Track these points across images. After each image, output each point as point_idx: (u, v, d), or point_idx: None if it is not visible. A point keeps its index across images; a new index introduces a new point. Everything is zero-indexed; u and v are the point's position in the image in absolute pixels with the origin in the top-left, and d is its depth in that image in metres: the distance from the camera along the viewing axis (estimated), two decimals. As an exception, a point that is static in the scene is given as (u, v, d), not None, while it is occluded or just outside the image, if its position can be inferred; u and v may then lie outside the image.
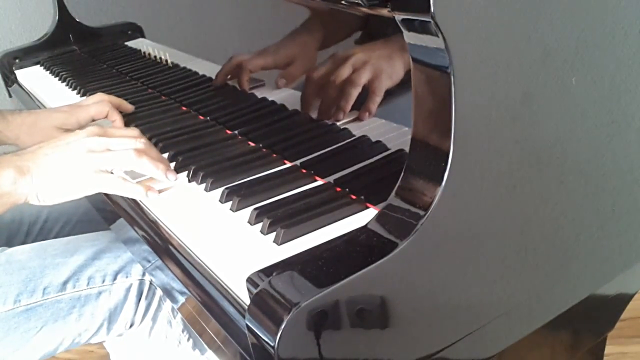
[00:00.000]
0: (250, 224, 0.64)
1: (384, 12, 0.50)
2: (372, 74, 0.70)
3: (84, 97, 1.14)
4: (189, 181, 0.76)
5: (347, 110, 0.75)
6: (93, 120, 0.95)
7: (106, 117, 0.94)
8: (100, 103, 0.94)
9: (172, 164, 0.79)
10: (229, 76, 0.94)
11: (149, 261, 0.76)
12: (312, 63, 0.77)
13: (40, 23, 2.19)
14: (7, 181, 0.69)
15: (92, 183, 0.71)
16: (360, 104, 0.73)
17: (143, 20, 1.21)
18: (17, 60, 1.44)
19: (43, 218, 1.03)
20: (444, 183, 0.49)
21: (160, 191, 0.74)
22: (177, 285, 0.66)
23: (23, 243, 0.97)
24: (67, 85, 1.25)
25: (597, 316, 0.77)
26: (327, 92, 0.76)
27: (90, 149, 0.72)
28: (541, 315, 0.65)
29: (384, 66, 0.69)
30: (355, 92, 0.72)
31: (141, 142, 0.74)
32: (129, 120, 0.98)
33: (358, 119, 0.74)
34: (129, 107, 0.99)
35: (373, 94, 0.71)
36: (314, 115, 0.80)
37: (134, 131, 0.78)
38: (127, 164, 0.72)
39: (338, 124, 0.77)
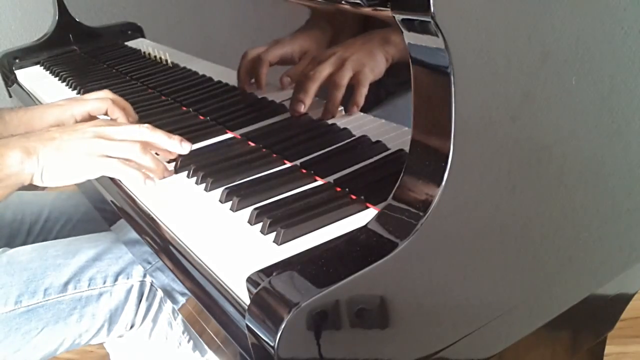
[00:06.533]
0: (250, 224, 0.64)
1: (384, 12, 0.50)
2: (355, 70, 0.70)
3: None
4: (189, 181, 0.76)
5: (335, 113, 0.76)
6: (90, 116, 0.89)
7: (106, 114, 0.88)
8: (101, 99, 0.89)
9: (172, 164, 0.80)
10: (249, 72, 0.89)
11: (150, 262, 0.76)
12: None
13: (40, 23, 2.19)
14: (14, 161, 0.71)
15: (95, 167, 0.73)
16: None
17: (143, 20, 1.21)
18: (17, 60, 1.44)
19: (44, 218, 1.03)
20: (443, 183, 0.49)
21: (161, 179, 0.75)
22: (177, 286, 0.66)
23: (24, 242, 0.98)
24: (67, 85, 1.25)
25: (597, 316, 0.77)
26: (311, 94, 0.77)
27: (97, 135, 0.74)
28: (541, 315, 0.65)
29: (365, 60, 0.69)
30: (340, 94, 0.74)
31: (144, 129, 0.76)
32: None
33: (347, 114, 0.75)
34: (133, 115, 0.93)
35: (359, 86, 0.71)
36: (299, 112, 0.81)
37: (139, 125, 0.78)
38: (131, 155, 0.74)
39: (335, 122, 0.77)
